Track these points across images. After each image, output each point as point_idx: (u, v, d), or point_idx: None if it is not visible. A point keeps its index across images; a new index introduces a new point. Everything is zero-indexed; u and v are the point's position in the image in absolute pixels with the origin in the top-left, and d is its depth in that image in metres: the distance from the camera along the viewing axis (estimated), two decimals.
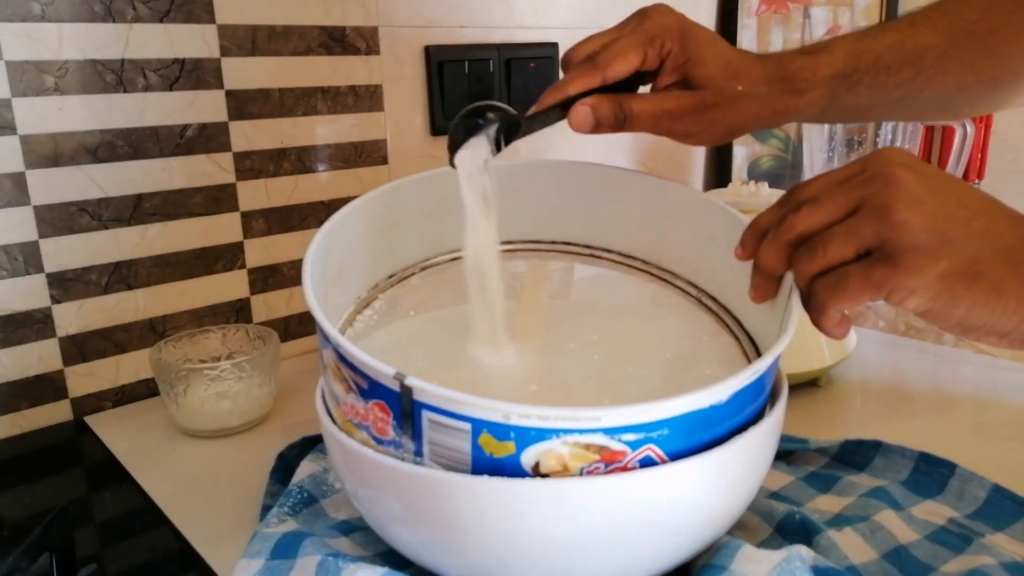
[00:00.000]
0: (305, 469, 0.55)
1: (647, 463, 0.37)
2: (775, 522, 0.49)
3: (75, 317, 0.71)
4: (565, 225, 0.59)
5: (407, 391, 0.37)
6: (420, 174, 0.54)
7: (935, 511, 0.51)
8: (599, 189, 0.57)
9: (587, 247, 0.59)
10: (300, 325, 0.85)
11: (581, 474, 0.37)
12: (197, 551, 0.51)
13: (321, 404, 0.46)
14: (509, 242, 0.59)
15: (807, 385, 0.70)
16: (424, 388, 0.36)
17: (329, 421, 0.44)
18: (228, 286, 0.79)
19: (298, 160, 0.81)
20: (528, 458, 0.36)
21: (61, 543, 0.53)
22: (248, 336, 0.71)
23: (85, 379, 0.72)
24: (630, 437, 0.36)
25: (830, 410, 0.68)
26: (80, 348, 0.72)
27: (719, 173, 1.24)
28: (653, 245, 0.57)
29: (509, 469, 0.36)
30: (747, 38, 1.18)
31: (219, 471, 0.61)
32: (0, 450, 0.67)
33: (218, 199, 0.77)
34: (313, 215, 0.83)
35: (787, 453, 0.58)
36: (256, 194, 0.79)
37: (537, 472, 0.37)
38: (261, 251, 0.80)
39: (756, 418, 0.41)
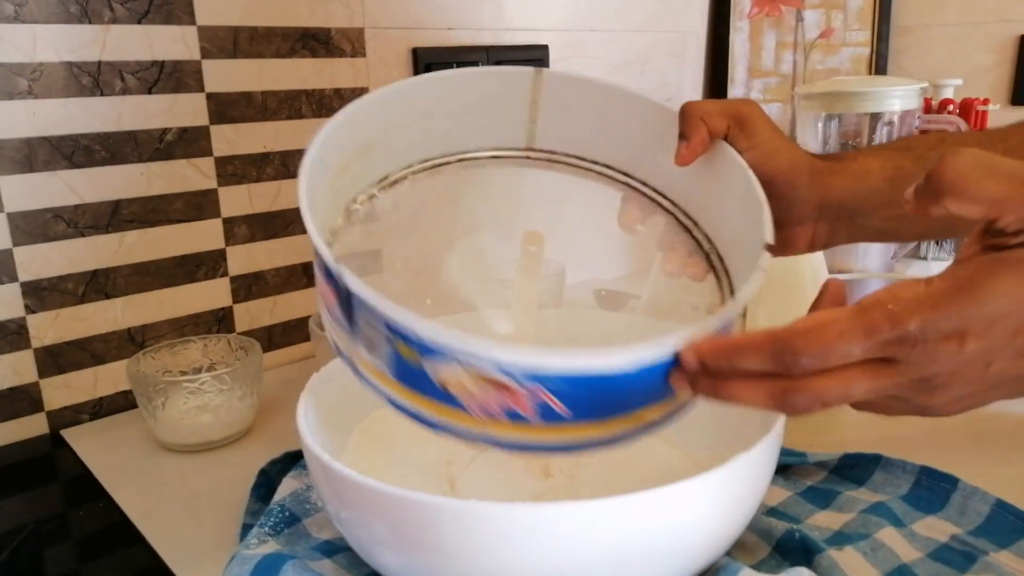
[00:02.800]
0: (287, 487, 0.53)
1: (547, 413, 0.35)
2: (774, 541, 0.47)
3: (51, 327, 0.69)
4: (497, 133, 0.55)
5: (345, 286, 0.36)
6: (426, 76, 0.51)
7: (937, 527, 0.50)
8: (527, 91, 0.53)
9: (527, 150, 0.56)
10: (284, 334, 0.83)
11: (484, 410, 0.35)
12: (173, 572, 0.49)
13: (303, 422, 0.44)
14: (431, 159, 0.54)
15: None
16: (352, 285, 0.35)
17: (311, 440, 0.42)
18: (210, 294, 0.77)
19: (282, 165, 0.79)
20: (434, 375, 0.35)
21: (30, 567, 0.51)
22: (230, 346, 0.69)
23: (61, 391, 0.70)
24: (523, 378, 0.34)
25: (827, 419, 0.66)
26: (56, 359, 0.69)
27: None
28: (594, 143, 0.55)
29: (423, 383, 0.36)
30: (739, 41, 1.17)
31: (198, 487, 0.59)
32: None
33: (199, 205, 0.75)
34: (297, 221, 0.81)
35: (784, 467, 0.56)
36: (239, 200, 0.77)
37: (447, 391, 0.35)
38: (244, 258, 0.78)
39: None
